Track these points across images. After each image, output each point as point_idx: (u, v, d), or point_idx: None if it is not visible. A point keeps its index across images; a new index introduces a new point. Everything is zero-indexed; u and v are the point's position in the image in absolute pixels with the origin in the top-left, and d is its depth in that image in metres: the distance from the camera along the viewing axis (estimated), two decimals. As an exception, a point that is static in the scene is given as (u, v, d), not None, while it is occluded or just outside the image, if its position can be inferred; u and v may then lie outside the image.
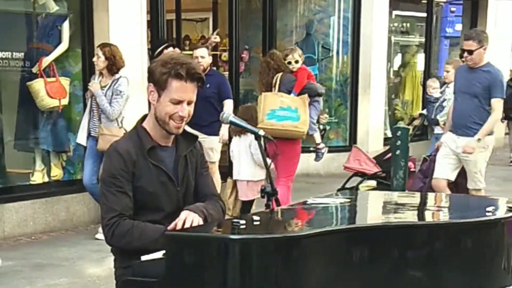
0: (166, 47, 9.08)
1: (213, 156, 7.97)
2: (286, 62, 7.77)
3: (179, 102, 3.32)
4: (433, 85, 9.63)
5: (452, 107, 7.55)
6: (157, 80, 3.31)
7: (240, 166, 7.33)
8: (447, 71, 9.26)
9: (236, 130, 7.16)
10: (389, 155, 8.95)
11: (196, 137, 3.61)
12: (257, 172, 7.17)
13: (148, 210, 3.38)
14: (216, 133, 7.86)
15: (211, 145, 7.80)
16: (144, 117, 3.50)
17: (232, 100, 8.07)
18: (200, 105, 7.00)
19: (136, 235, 3.29)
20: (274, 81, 7.72)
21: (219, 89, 7.94)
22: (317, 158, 8.44)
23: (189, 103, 3.36)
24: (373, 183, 8.71)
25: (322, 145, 8.36)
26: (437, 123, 9.40)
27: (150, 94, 3.37)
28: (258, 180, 7.12)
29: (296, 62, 7.80)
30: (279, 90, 7.61)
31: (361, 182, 8.67)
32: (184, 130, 3.48)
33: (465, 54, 7.23)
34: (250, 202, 7.34)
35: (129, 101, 7.54)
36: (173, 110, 3.33)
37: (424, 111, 10.22)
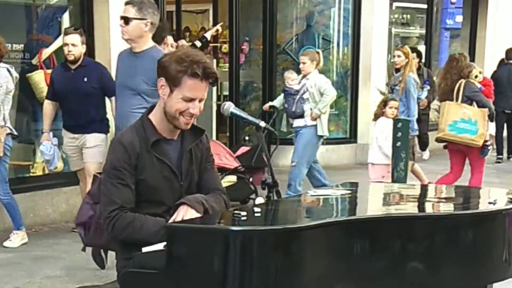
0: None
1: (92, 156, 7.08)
2: (471, 75, 8.26)
3: (191, 100, 3.31)
4: (292, 76, 8.90)
5: None
6: (171, 76, 3.29)
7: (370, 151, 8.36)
8: (304, 63, 8.69)
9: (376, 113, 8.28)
10: (246, 149, 9.06)
11: (203, 130, 3.59)
12: (379, 155, 8.11)
13: (150, 203, 3.38)
14: (98, 130, 7.11)
15: (91, 143, 7.09)
16: (151, 109, 3.48)
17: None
18: (78, 104, 6.98)
19: (137, 227, 3.29)
20: (456, 88, 8.12)
21: (102, 84, 7.08)
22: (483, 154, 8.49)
23: (200, 100, 3.36)
24: (233, 178, 8.47)
25: (489, 142, 8.56)
26: (298, 116, 8.73)
27: (161, 88, 3.35)
28: (378, 163, 8.12)
29: (480, 73, 8.53)
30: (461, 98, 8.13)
31: (222, 178, 7.90)
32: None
33: None
34: None
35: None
36: (184, 107, 3.32)
37: (275, 103, 9.36)
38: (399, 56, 9.55)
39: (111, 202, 3.31)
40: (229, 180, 8.39)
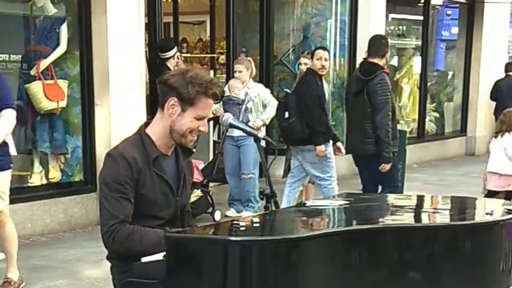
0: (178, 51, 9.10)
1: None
2: None
3: (202, 118, 3.40)
4: (239, 86, 8.61)
5: None
6: (187, 97, 3.33)
7: (495, 161, 8.43)
8: (240, 71, 8.52)
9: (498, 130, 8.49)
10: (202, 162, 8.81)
11: (192, 151, 3.68)
12: (507, 166, 8.30)
13: (146, 217, 3.40)
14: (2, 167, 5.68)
15: None
16: (146, 124, 3.51)
17: (14, 110, 5.60)
18: None
19: (137, 239, 3.30)
20: None
21: None
22: None
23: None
24: (199, 192, 8.46)
25: None
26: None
27: (171, 108, 3.37)
28: (506, 174, 8.31)
29: None
30: None
31: (191, 192, 7.74)
32: None
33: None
34: (496, 193, 8.38)
35: (124, 104, 7.36)
36: (195, 125, 3.39)
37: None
38: (305, 64, 8.49)
39: (112, 217, 3.31)
40: (196, 194, 8.40)
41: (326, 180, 7.76)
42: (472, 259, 3.46)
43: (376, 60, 7.37)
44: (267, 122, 8.56)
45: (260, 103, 8.61)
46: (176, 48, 9.35)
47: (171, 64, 8.81)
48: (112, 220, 3.31)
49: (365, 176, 7.59)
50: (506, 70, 14.36)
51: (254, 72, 8.90)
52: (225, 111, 7.94)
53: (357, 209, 4.14)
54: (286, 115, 7.82)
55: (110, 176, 3.36)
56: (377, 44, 7.50)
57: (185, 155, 3.59)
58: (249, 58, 9.42)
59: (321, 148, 7.65)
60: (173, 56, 8.99)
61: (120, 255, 3.41)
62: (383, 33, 12.85)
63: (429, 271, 3.37)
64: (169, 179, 3.46)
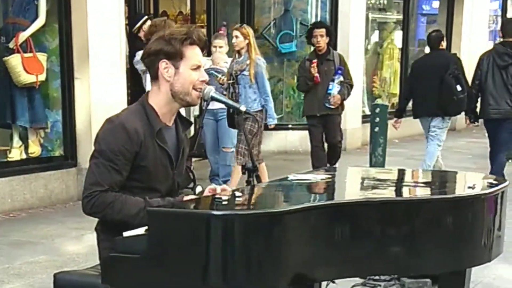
0: (145, 21, 9.01)
1: None
2: None
3: (198, 67, 3.37)
4: (224, 57, 8.50)
5: None
6: (172, 52, 3.31)
7: None
8: (221, 46, 8.44)
9: None
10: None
11: (191, 122, 3.66)
12: None
13: (143, 189, 3.37)
14: None
15: None
16: (147, 94, 3.46)
17: None
18: None
19: (116, 209, 3.27)
20: None
21: None
22: None
23: None
24: None
25: None
26: None
27: (165, 71, 3.34)
28: None
29: None
30: None
31: None
32: (179, 113, 3.52)
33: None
34: None
35: (105, 78, 7.35)
36: (195, 78, 3.36)
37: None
38: (237, 36, 8.25)
39: (97, 183, 3.27)
40: None
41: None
42: (454, 234, 3.46)
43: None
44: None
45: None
46: (144, 17, 9.25)
47: (143, 35, 8.61)
48: (96, 186, 3.27)
49: (503, 138, 8.80)
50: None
51: (227, 48, 8.79)
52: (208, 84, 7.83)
53: (339, 183, 4.15)
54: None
55: (105, 143, 3.30)
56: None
57: (184, 126, 3.56)
58: (223, 33, 9.37)
59: None
60: (142, 26, 8.91)
61: (105, 226, 3.37)
62: (364, 7, 12.91)
63: (411, 245, 3.38)
64: (170, 151, 3.44)
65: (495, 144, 8.83)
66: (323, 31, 8.79)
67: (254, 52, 8.25)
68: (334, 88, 8.74)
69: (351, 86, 8.96)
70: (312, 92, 8.82)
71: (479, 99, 8.95)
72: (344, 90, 8.83)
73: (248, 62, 8.20)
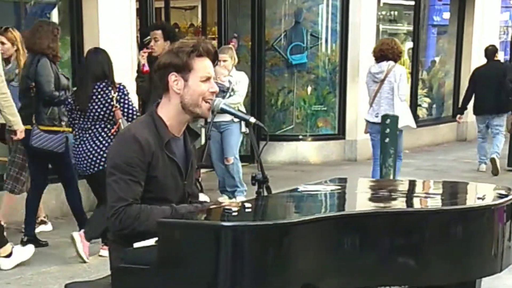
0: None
1: None
2: None
3: (208, 79, 3.38)
4: (224, 72, 8.51)
5: None
6: (182, 64, 3.34)
7: None
8: (225, 60, 8.46)
9: None
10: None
11: (198, 134, 3.70)
12: None
13: (155, 200, 3.38)
14: None
15: None
16: (157, 105, 3.48)
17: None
18: None
19: (143, 219, 3.27)
20: None
21: None
22: None
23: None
24: None
25: None
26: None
27: (174, 84, 3.36)
28: None
29: None
30: None
31: None
32: (187, 124, 3.53)
33: None
34: None
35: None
36: (205, 89, 3.37)
37: None
38: (2, 43, 7.00)
39: (120, 199, 3.27)
40: None
41: None
42: (463, 244, 3.47)
43: None
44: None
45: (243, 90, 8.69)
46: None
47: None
48: (120, 202, 3.27)
49: None
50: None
51: (236, 60, 8.89)
52: None
53: (349, 194, 4.15)
54: None
55: (120, 158, 3.31)
56: None
57: (191, 137, 3.59)
58: (230, 46, 9.40)
59: None
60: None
61: (125, 236, 3.33)
62: (374, 19, 12.90)
63: (420, 256, 3.38)
64: (180, 162, 3.46)
65: None
66: None
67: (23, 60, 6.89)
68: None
69: None
70: None
71: None
72: None
73: (17, 71, 6.97)
